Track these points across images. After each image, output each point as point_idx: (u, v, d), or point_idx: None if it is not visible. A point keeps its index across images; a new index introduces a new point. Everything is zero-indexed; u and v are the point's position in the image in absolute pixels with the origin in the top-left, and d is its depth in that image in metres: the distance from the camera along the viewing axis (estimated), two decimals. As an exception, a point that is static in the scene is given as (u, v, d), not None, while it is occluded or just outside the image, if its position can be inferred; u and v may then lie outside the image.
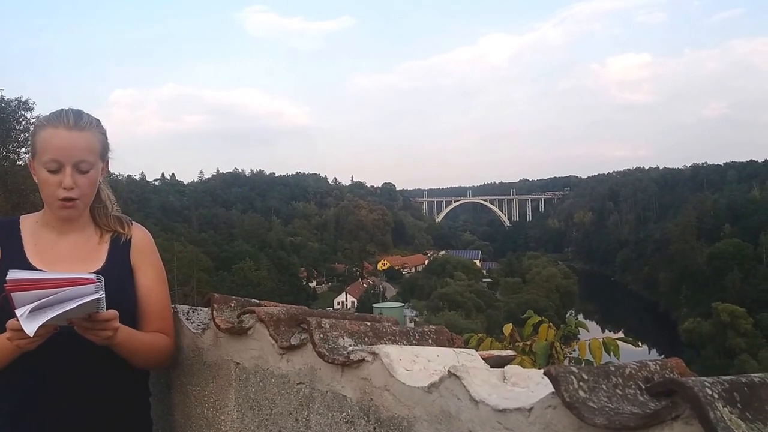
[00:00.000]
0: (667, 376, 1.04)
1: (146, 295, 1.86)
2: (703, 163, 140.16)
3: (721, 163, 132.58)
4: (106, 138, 1.81)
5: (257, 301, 1.89)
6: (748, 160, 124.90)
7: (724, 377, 0.90)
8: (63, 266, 1.74)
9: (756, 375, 0.94)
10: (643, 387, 0.99)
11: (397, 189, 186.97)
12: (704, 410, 0.81)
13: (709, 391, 0.83)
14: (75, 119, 1.72)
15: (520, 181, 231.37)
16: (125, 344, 1.70)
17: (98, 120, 1.80)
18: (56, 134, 1.70)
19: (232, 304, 1.86)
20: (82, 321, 1.55)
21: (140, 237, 1.92)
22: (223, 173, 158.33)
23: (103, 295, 1.50)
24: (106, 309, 1.56)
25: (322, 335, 1.48)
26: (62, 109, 1.75)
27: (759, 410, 0.87)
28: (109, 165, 1.86)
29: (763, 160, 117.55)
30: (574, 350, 3.13)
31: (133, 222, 1.95)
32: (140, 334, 1.80)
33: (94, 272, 1.66)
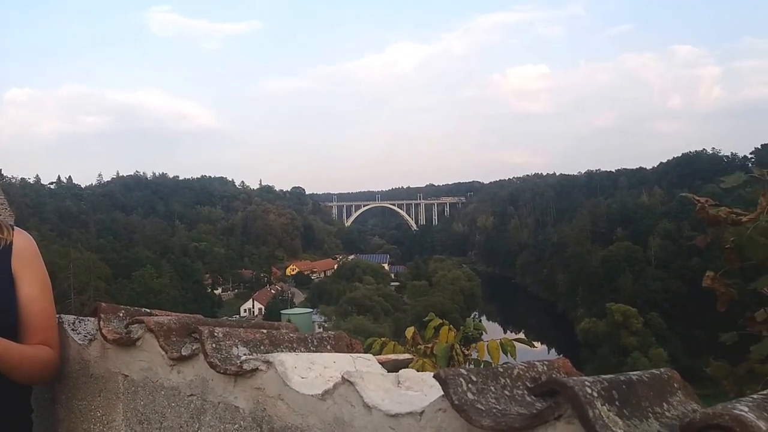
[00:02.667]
0: (553, 376, 1.07)
1: (28, 305, 1.74)
2: (596, 170, 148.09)
3: (613, 170, 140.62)
4: None
5: (147, 311, 1.81)
6: (637, 167, 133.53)
7: (604, 376, 0.94)
8: None
9: (634, 373, 0.99)
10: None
11: (307, 193, 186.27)
12: (584, 409, 0.83)
13: (589, 390, 0.86)
14: None
15: (426, 185, 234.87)
16: (3, 359, 1.58)
17: None
18: None
19: (121, 314, 1.77)
20: None
21: (22, 243, 1.79)
22: (123, 176, 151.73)
23: None
24: None
25: (214, 345, 1.43)
26: None
27: (636, 407, 0.90)
28: None
29: (650, 168, 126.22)
30: (474, 352, 3.21)
31: (15, 227, 1.81)
32: (20, 347, 1.68)
33: None
